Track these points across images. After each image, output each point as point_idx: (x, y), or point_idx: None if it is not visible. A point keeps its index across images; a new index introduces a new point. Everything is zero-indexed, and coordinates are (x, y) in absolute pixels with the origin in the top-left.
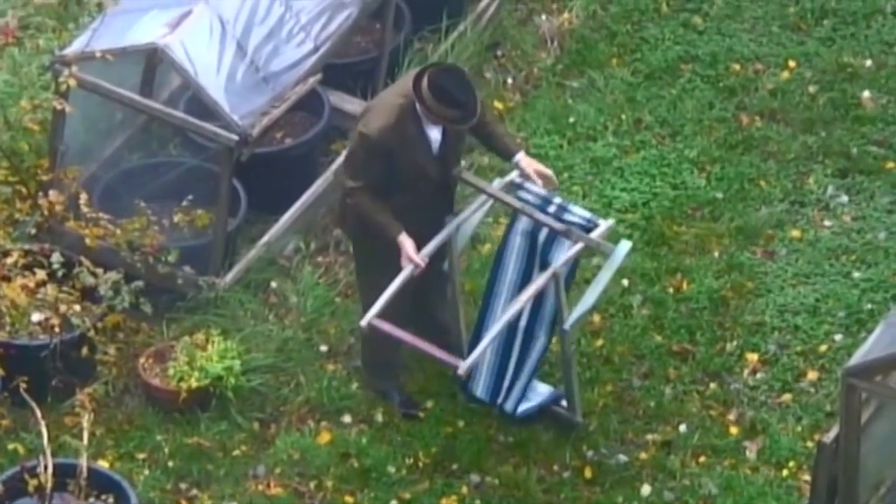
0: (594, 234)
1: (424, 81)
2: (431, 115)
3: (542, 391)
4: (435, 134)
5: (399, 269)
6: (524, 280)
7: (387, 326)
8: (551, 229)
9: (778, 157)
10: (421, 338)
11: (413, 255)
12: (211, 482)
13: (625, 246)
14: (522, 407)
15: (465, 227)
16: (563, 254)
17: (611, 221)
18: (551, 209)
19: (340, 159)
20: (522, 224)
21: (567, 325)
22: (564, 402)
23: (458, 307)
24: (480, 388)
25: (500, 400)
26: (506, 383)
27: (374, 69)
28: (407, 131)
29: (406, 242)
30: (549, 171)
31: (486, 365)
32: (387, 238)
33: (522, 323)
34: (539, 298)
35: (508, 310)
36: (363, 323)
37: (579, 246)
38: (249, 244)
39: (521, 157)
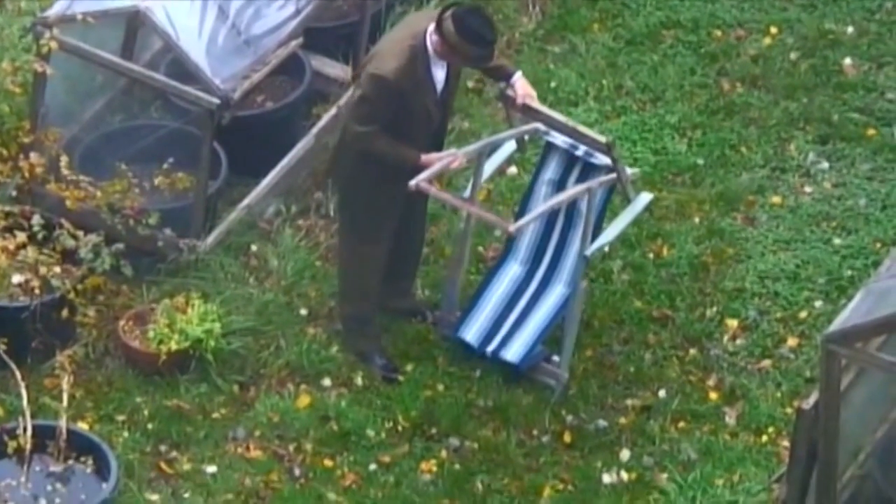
0: (629, 171)
1: (449, 22)
2: (457, 55)
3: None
4: (440, 75)
5: (386, 230)
6: (548, 229)
7: (434, 189)
8: (594, 143)
9: (759, 124)
10: (386, 297)
11: (445, 154)
12: (190, 444)
13: (647, 196)
14: (524, 359)
15: (496, 156)
16: (593, 200)
17: (637, 169)
18: (579, 152)
19: (322, 122)
20: (549, 173)
21: (588, 252)
22: (557, 358)
23: (468, 242)
24: (472, 333)
25: (491, 347)
26: (503, 331)
27: (356, 33)
28: (418, 73)
29: (431, 156)
30: (534, 94)
31: (486, 309)
32: (408, 166)
33: (540, 270)
34: (562, 246)
35: (550, 201)
36: (412, 183)
37: (611, 177)
38: (230, 207)
39: (518, 77)
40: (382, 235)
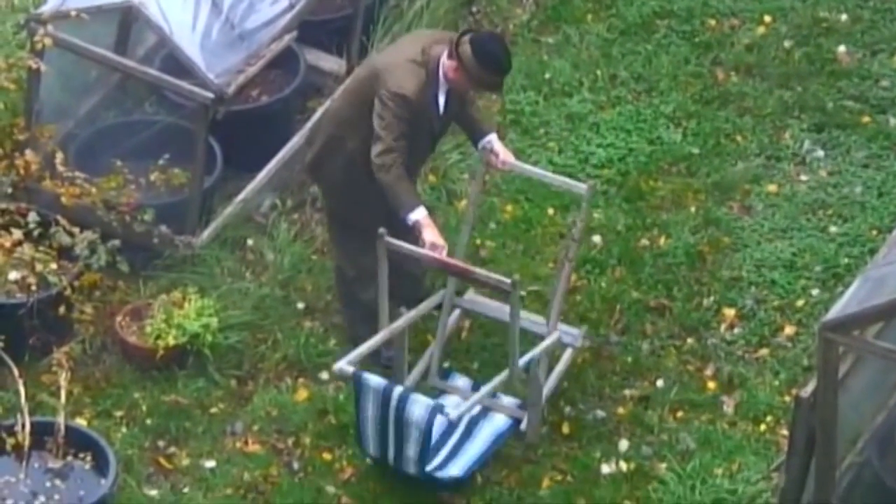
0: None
1: (467, 46)
2: (470, 79)
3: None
4: (442, 99)
5: (368, 217)
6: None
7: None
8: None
9: (754, 112)
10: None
11: (438, 239)
12: (189, 439)
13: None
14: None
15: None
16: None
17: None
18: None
19: (317, 116)
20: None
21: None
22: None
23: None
24: (371, 447)
25: (430, 468)
26: (441, 455)
27: (350, 26)
28: (428, 94)
29: (429, 225)
30: (511, 156)
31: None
32: (403, 211)
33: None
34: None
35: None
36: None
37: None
38: (226, 202)
39: (494, 140)
40: (367, 226)
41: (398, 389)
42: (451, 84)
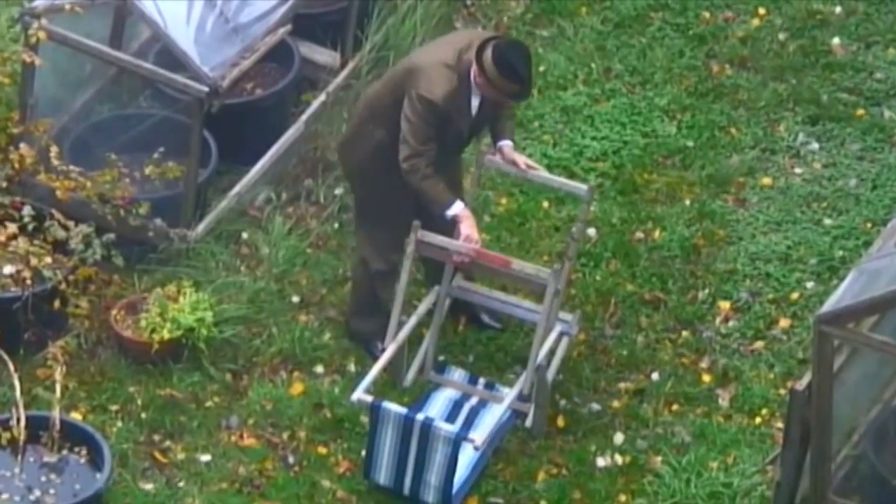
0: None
1: (489, 53)
2: (492, 87)
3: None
4: (475, 102)
5: (400, 211)
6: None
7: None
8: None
9: (748, 105)
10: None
11: (473, 232)
12: (184, 434)
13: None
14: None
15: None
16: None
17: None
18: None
19: (312, 109)
20: (447, 392)
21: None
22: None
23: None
24: (383, 476)
25: (405, 491)
26: (408, 478)
27: (344, 19)
28: (460, 98)
29: (467, 218)
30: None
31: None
32: (439, 209)
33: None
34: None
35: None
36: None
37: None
38: (220, 195)
39: (509, 145)
40: (399, 221)
41: (420, 417)
42: (479, 89)
